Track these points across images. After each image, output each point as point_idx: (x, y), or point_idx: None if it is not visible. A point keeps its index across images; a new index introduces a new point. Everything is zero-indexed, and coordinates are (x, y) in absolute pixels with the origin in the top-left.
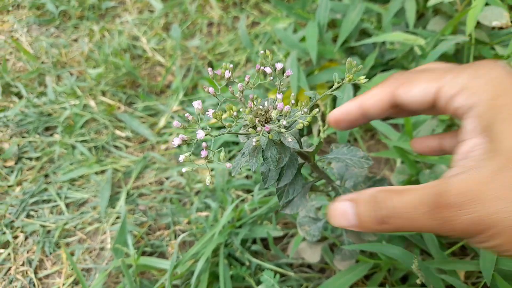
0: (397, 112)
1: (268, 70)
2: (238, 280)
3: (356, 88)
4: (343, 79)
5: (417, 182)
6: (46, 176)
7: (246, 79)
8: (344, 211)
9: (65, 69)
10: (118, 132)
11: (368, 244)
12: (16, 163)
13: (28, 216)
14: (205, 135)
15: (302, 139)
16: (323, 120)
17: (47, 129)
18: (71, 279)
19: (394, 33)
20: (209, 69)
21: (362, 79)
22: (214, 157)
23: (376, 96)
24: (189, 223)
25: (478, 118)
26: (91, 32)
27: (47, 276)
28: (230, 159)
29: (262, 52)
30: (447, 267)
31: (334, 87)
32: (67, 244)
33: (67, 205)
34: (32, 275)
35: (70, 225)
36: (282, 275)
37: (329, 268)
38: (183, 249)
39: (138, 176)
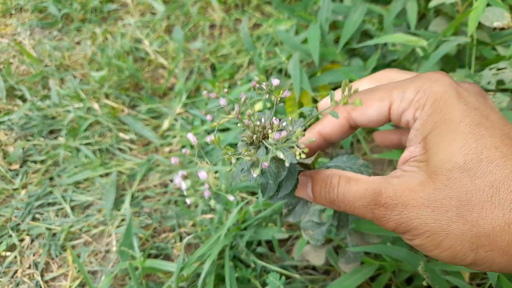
0: (354, 130)
1: (264, 86)
2: (244, 282)
3: None
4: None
5: None
6: (51, 179)
7: (242, 99)
8: (304, 184)
9: (68, 72)
10: (122, 134)
11: (373, 246)
12: (21, 166)
13: (33, 219)
14: (207, 171)
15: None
16: None
17: (51, 132)
18: (77, 282)
19: (396, 35)
20: (204, 92)
21: (357, 102)
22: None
23: (332, 123)
24: (194, 225)
25: (418, 130)
26: (94, 35)
27: (53, 279)
28: None
29: (257, 78)
30: (452, 268)
31: (330, 106)
32: (73, 247)
33: (72, 208)
34: (39, 278)
35: (75, 227)
36: (287, 277)
37: (333, 270)
38: (188, 251)
39: (143, 179)
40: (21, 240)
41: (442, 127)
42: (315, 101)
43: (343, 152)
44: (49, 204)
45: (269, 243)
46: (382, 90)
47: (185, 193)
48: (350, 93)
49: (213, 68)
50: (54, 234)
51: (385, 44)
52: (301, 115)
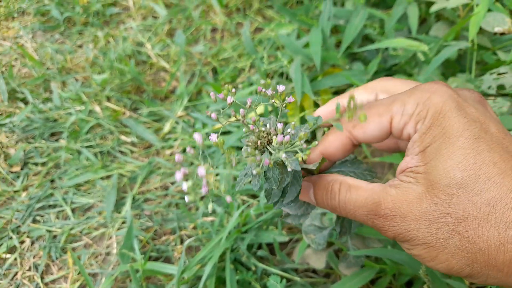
0: (357, 147)
1: (269, 92)
2: (244, 285)
3: None
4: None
5: None
6: (52, 181)
7: (248, 103)
8: (306, 189)
9: (70, 75)
10: (123, 137)
11: (374, 250)
12: (22, 169)
13: (34, 221)
14: (207, 172)
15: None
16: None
17: (52, 134)
18: (77, 284)
19: (398, 39)
20: (211, 93)
21: (362, 118)
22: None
23: (335, 142)
24: (195, 228)
25: (416, 142)
26: (96, 38)
27: (53, 281)
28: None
29: (263, 81)
30: None
31: (335, 117)
32: (73, 249)
33: (73, 210)
34: (39, 280)
35: (76, 230)
36: (287, 280)
37: (334, 273)
38: (189, 254)
39: (144, 181)
40: (22, 242)
41: (441, 141)
42: (316, 104)
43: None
44: (49, 206)
45: (269, 246)
46: (381, 105)
47: (185, 190)
48: (355, 108)
49: (215, 71)
50: (55, 236)
51: (386, 49)
52: (302, 118)
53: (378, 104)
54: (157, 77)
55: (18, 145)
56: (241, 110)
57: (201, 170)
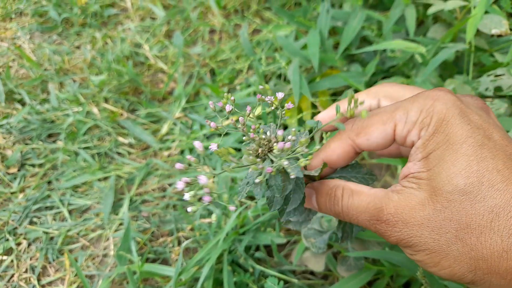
0: (359, 154)
1: (268, 99)
2: (242, 286)
3: None
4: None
5: None
6: (49, 182)
7: (248, 111)
8: (309, 195)
9: (67, 76)
10: (121, 138)
11: (372, 252)
12: (19, 170)
13: (31, 223)
14: (209, 179)
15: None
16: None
17: (50, 136)
18: (74, 286)
19: (395, 41)
20: (210, 102)
21: (364, 114)
22: (218, 199)
23: (337, 150)
24: (192, 229)
25: (419, 148)
26: (94, 39)
27: (50, 283)
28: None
29: (261, 87)
30: None
31: (336, 118)
32: (70, 251)
33: (70, 212)
34: (35, 282)
35: (73, 231)
36: (285, 281)
37: (332, 274)
38: (187, 255)
39: (141, 183)
40: (18, 244)
41: (445, 147)
42: (314, 106)
43: None
44: (46, 208)
45: (267, 247)
46: (385, 113)
47: (187, 199)
48: (356, 106)
49: (213, 73)
50: (52, 238)
51: (384, 50)
52: (300, 120)
53: (381, 111)
54: (155, 79)
55: (15, 147)
56: (241, 118)
57: (203, 179)
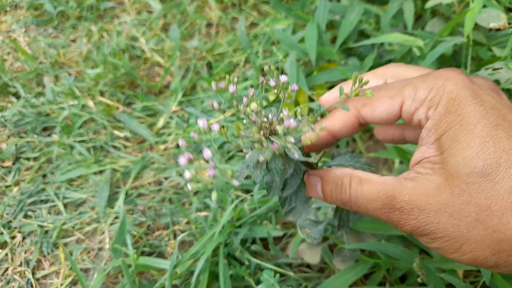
0: (363, 127)
1: (272, 83)
2: (238, 279)
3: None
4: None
5: None
6: (44, 176)
7: (250, 94)
8: (314, 184)
9: (63, 70)
10: (116, 132)
11: (369, 244)
12: (14, 163)
13: (26, 216)
14: (212, 154)
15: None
16: None
17: (45, 129)
18: (69, 279)
19: (393, 34)
20: (213, 82)
21: (368, 93)
22: (220, 174)
23: (342, 119)
24: (188, 223)
25: (431, 130)
26: (90, 32)
27: (45, 277)
28: (229, 159)
29: (267, 67)
30: (446, 266)
31: (340, 99)
32: (65, 245)
33: (65, 205)
34: (30, 276)
35: (68, 225)
36: (281, 274)
37: (328, 267)
38: (182, 249)
39: (137, 176)
40: (13, 238)
41: (458, 129)
42: (311, 100)
43: (344, 150)
44: (41, 202)
45: (263, 240)
46: (393, 88)
47: (187, 178)
48: (361, 85)
49: (210, 66)
50: (46, 232)
51: (382, 44)
52: (296, 114)
53: (390, 86)
54: (151, 72)
55: (10, 140)
56: (244, 99)
57: (207, 152)
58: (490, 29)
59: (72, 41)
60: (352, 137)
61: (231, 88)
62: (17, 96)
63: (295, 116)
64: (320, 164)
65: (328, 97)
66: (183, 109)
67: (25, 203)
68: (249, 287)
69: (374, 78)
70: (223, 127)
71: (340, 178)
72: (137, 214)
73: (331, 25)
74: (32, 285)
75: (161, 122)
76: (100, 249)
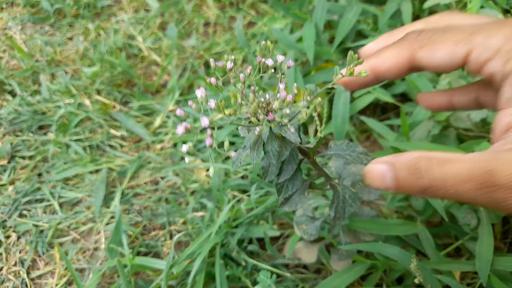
0: (411, 72)
1: (269, 62)
2: (234, 280)
3: (353, 92)
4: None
5: None
6: (40, 175)
7: (248, 71)
8: (381, 173)
9: (59, 68)
10: (113, 131)
11: (365, 244)
12: (9, 162)
13: (20, 215)
14: (210, 122)
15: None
16: (320, 120)
17: (41, 127)
18: (64, 279)
19: None
20: (211, 59)
21: (363, 73)
22: (217, 147)
23: (392, 59)
24: (184, 223)
25: None
26: (87, 30)
27: (39, 277)
28: (226, 158)
29: (263, 42)
30: (443, 267)
31: (334, 80)
32: (61, 244)
33: (60, 205)
34: (25, 275)
35: (63, 224)
36: (278, 275)
37: (325, 268)
38: (178, 249)
39: (133, 176)
40: (7, 237)
41: None
42: None
43: (341, 141)
44: (37, 201)
45: (260, 241)
46: (459, 32)
47: (184, 152)
48: (355, 64)
49: (207, 65)
50: (42, 231)
51: None
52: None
53: (456, 30)
54: (148, 71)
55: (5, 138)
56: (241, 75)
57: (205, 120)
58: None
59: (68, 39)
60: (349, 137)
61: (229, 65)
62: (13, 94)
63: (294, 88)
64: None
65: (372, 46)
66: (180, 108)
67: (20, 202)
68: None
69: (425, 27)
70: (220, 101)
71: (415, 162)
72: (133, 214)
73: (329, 25)
74: (26, 285)
75: (158, 121)
76: (96, 249)
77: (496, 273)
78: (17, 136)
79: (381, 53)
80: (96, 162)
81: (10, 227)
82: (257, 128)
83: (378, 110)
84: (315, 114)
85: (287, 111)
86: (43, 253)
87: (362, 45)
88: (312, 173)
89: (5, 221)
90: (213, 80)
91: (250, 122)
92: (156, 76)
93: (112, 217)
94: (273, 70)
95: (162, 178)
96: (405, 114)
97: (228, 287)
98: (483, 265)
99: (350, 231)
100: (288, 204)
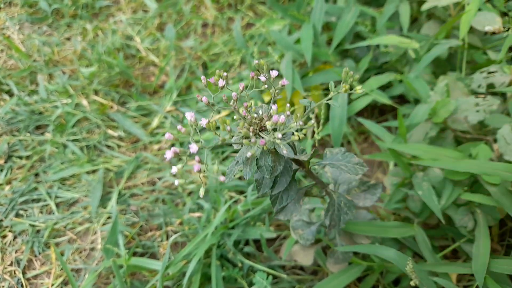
0: None
1: (262, 78)
2: (230, 281)
3: (350, 94)
4: (339, 89)
5: (410, 184)
6: (36, 175)
7: (240, 88)
8: None
9: (57, 68)
10: (110, 131)
11: (362, 246)
12: (6, 162)
13: (17, 215)
14: (199, 148)
15: (296, 143)
16: (318, 122)
17: (38, 127)
18: (60, 280)
19: (389, 36)
20: (202, 77)
21: (358, 89)
22: (207, 169)
23: None
24: (181, 224)
25: None
26: (84, 31)
27: (35, 276)
28: (223, 159)
29: (256, 61)
30: (440, 269)
31: (330, 95)
32: (57, 244)
33: (57, 205)
34: (20, 275)
35: (60, 225)
36: (274, 277)
37: (321, 270)
38: (175, 250)
39: (130, 176)
40: (4, 237)
41: None
42: None
43: (337, 150)
44: (33, 201)
45: (257, 242)
46: None
47: (174, 173)
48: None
49: (205, 66)
50: (38, 231)
51: (377, 46)
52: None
53: None
54: (146, 71)
55: (2, 138)
56: (234, 94)
57: (194, 147)
58: (486, 33)
59: (66, 39)
60: (347, 139)
61: (221, 82)
62: (10, 94)
63: (287, 109)
64: (311, 164)
65: None
66: (177, 109)
67: (17, 202)
68: None
69: None
70: (210, 121)
71: None
72: (130, 214)
73: (327, 27)
74: (22, 285)
75: (155, 122)
76: (92, 249)
77: (492, 275)
78: (14, 136)
79: None
80: (93, 163)
81: (7, 226)
82: (249, 153)
83: (376, 112)
84: (312, 116)
85: (279, 135)
86: (39, 253)
87: (360, 47)
88: (308, 180)
89: (1, 220)
90: (204, 99)
91: (242, 142)
92: (154, 76)
93: (109, 218)
94: (265, 86)
95: (159, 178)
96: (402, 116)
97: None
98: (479, 267)
99: (347, 234)
100: (284, 213)
